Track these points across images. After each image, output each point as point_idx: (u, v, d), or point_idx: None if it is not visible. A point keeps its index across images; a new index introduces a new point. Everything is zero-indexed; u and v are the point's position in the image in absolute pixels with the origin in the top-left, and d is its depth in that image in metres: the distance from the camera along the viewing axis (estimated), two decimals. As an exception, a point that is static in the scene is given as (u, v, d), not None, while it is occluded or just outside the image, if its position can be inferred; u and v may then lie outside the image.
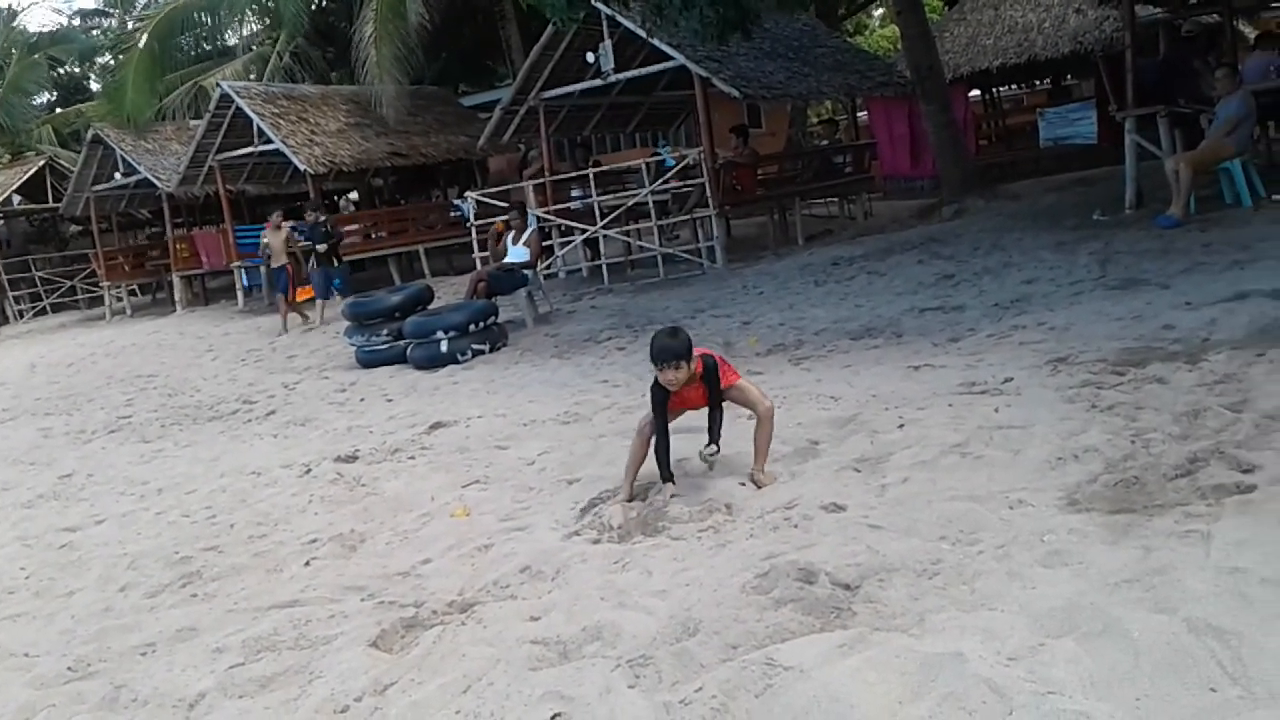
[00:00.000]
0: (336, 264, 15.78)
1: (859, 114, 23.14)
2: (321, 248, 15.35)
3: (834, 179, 17.65)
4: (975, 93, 23.66)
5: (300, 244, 15.77)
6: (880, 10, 35.89)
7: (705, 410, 4.89)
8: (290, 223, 16.40)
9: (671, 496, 4.69)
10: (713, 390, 4.74)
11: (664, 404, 4.73)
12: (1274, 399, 4.64)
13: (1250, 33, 19.63)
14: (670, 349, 4.54)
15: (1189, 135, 11.74)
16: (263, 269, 16.79)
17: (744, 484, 4.81)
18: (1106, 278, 8.33)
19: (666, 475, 4.83)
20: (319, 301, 15.30)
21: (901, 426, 5.34)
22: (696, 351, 4.64)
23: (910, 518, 4.07)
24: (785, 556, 3.83)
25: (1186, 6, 15.64)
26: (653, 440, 4.81)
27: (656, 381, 4.67)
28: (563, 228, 15.65)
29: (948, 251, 11.35)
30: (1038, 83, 25.92)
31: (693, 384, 4.67)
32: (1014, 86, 26.23)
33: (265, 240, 15.85)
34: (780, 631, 3.27)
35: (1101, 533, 3.62)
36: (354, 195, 26.04)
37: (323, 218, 15.77)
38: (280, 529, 5.57)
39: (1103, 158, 16.37)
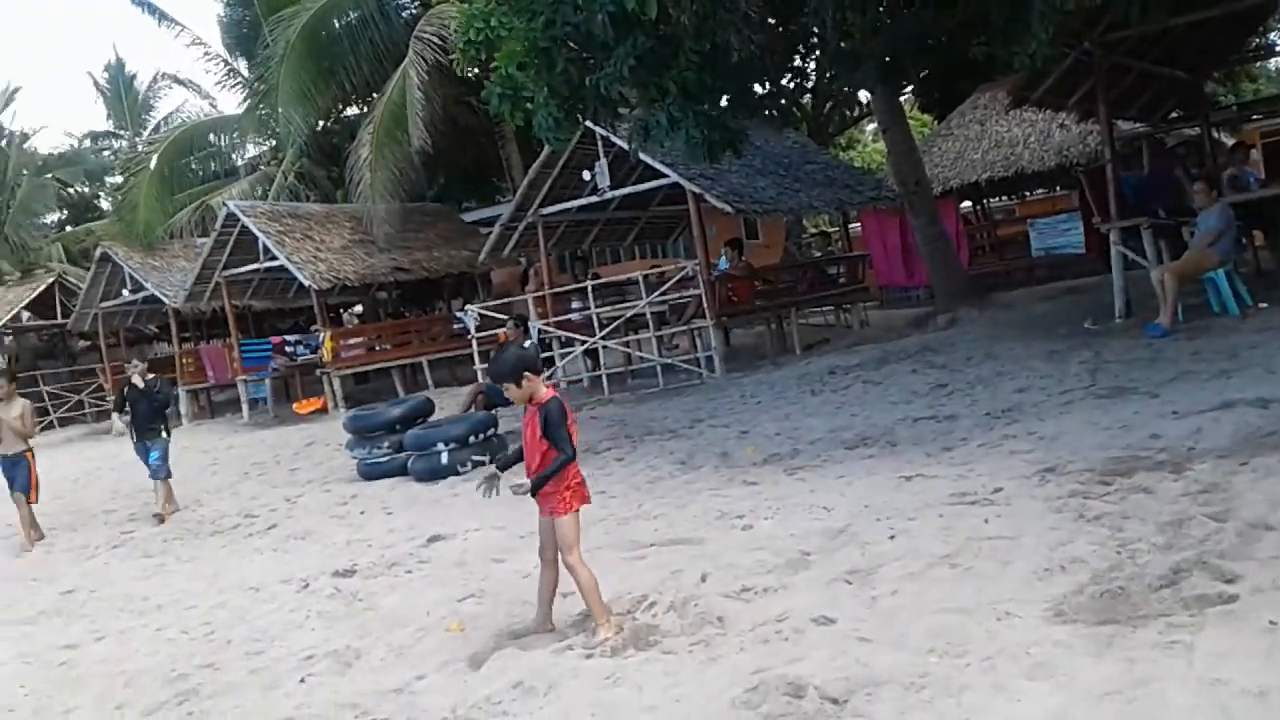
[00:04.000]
0: (165, 434, 10.97)
1: (853, 225, 23.61)
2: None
3: (829, 289, 17.95)
4: (967, 204, 24.18)
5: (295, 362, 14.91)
6: (873, 125, 36.79)
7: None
8: (289, 337, 16.21)
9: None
10: (544, 426, 4.70)
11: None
12: (1257, 508, 4.72)
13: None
14: (492, 372, 4.98)
15: (1174, 245, 12.01)
16: None
17: (730, 596, 4.85)
18: (1096, 386, 8.45)
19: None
20: (166, 480, 10.93)
21: (893, 538, 5.40)
22: (548, 391, 4.76)
23: (899, 630, 4.12)
24: (774, 670, 3.88)
25: (1166, 120, 16.12)
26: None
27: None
28: (563, 339, 15.87)
29: (941, 360, 11.50)
30: (1028, 194, 26.48)
31: (531, 409, 4.76)
32: (1005, 198, 26.78)
33: None
34: (768, 746, 3.31)
35: (1086, 644, 3.67)
36: (358, 309, 26.41)
37: (150, 375, 11.31)
38: (277, 645, 5.59)
39: (1094, 266, 16.67)
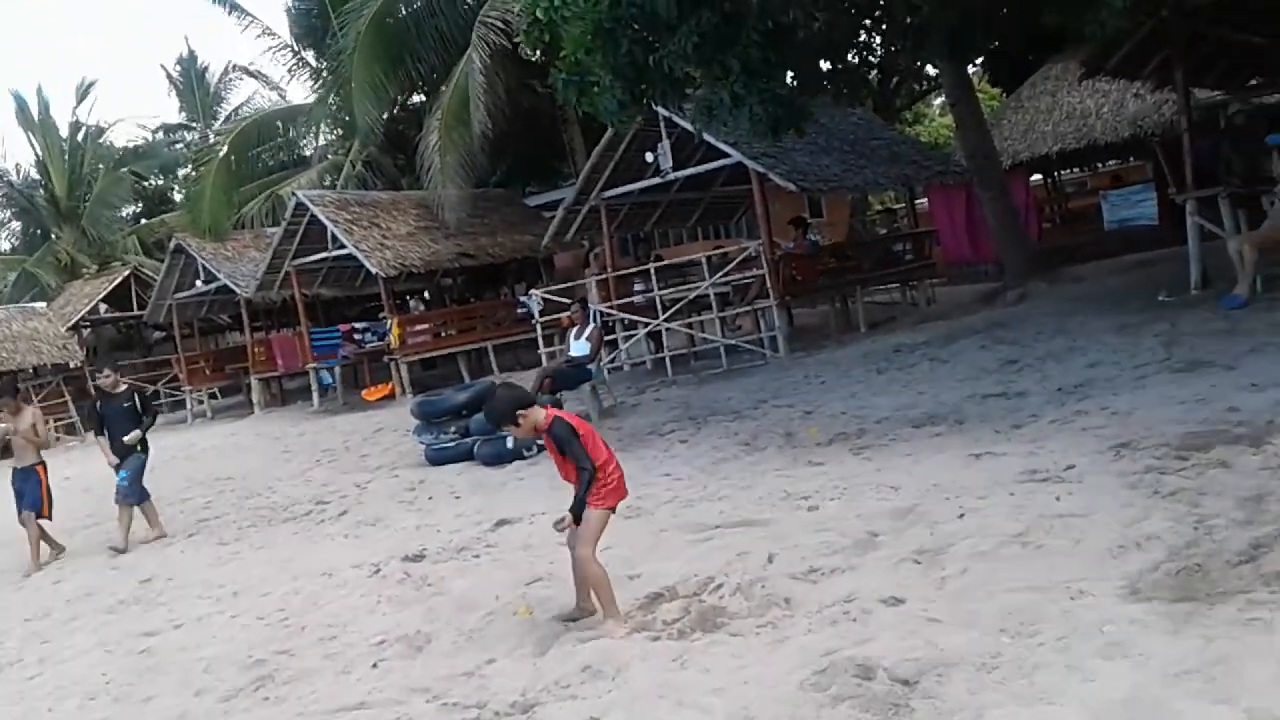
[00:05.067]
0: (143, 451, 9.69)
1: (920, 201, 23.26)
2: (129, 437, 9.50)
3: (895, 267, 17.73)
4: (1037, 177, 23.69)
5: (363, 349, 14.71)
6: (940, 99, 36.20)
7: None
8: (358, 324, 16.19)
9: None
10: (558, 448, 4.76)
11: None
12: (1342, 483, 4.58)
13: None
14: (490, 420, 5.20)
15: (1253, 215, 11.65)
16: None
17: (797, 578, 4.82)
18: (1171, 360, 8.25)
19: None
20: (132, 507, 9.56)
21: (962, 516, 5.33)
22: (546, 416, 4.78)
23: (970, 610, 4.06)
24: (843, 652, 3.85)
25: (1244, 89, 15.60)
26: None
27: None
28: (626, 321, 15.89)
29: (1011, 336, 11.31)
30: (1100, 165, 25.87)
31: (545, 435, 4.82)
32: (1076, 170, 26.17)
33: (3, 427, 9.57)
34: (837, 728, 3.29)
35: (1163, 622, 3.60)
36: (425, 295, 26.71)
37: (122, 386, 9.89)
38: (349, 630, 5.68)
39: (1168, 239, 16.24)
